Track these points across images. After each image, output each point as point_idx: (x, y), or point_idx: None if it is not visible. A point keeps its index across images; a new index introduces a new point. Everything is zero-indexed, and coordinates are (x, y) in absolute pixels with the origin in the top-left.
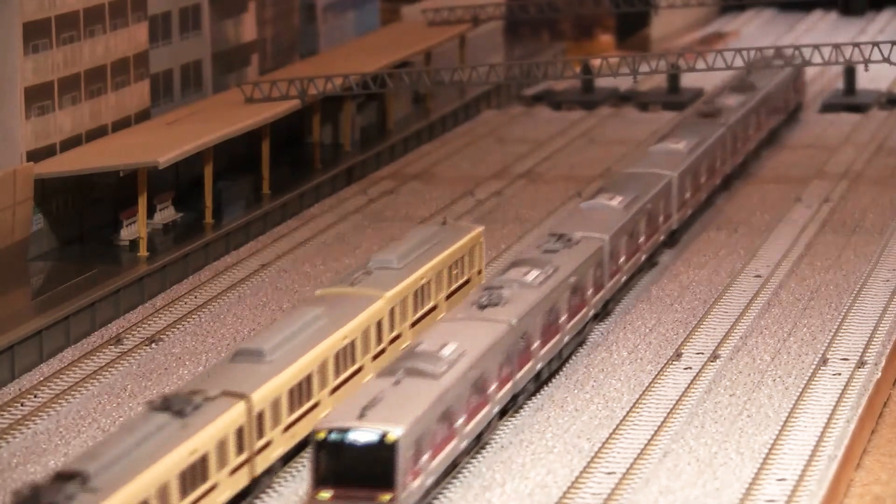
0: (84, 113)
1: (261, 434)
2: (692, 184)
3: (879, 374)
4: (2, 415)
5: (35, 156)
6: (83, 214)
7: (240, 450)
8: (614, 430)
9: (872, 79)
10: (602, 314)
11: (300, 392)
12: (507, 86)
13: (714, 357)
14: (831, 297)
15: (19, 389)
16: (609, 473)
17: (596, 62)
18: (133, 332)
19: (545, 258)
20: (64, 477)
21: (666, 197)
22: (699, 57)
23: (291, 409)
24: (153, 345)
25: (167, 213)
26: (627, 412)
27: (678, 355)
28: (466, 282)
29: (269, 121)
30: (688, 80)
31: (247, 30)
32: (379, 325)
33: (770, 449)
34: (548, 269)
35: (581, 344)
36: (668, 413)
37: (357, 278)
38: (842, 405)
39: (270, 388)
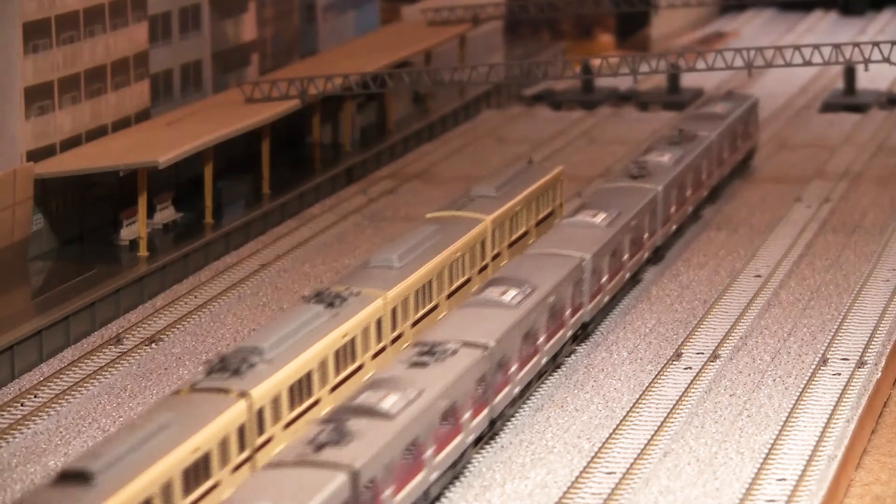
0: (84, 113)
1: (394, 327)
2: (611, 265)
3: (879, 374)
4: (2, 415)
5: (35, 156)
6: (83, 214)
7: (379, 338)
8: (614, 430)
9: (872, 79)
10: (489, 434)
11: (423, 294)
12: (507, 86)
13: (714, 357)
14: (831, 297)
15: (19, 389)
16: (609, 473)
17: (596, 62)
18: (133, 332)
19: (408, 377)
20: (244, 350)
21: (576, 284)
22: (699, 57)
23: (417, 308)
24: (153, 345)
25: (167, 213)
26: (627, 412)
27: (678, 355)
28: (550, 213)
29: (269, 121)
30: (688, 80)
31: (247, 30)
32: (483, 243)
33: (770, 449)
34: (410, 391)
35: (456, 477)
36: (668, 413)
37: (462, 203)
38: (842, 405)
39: (401, 289)
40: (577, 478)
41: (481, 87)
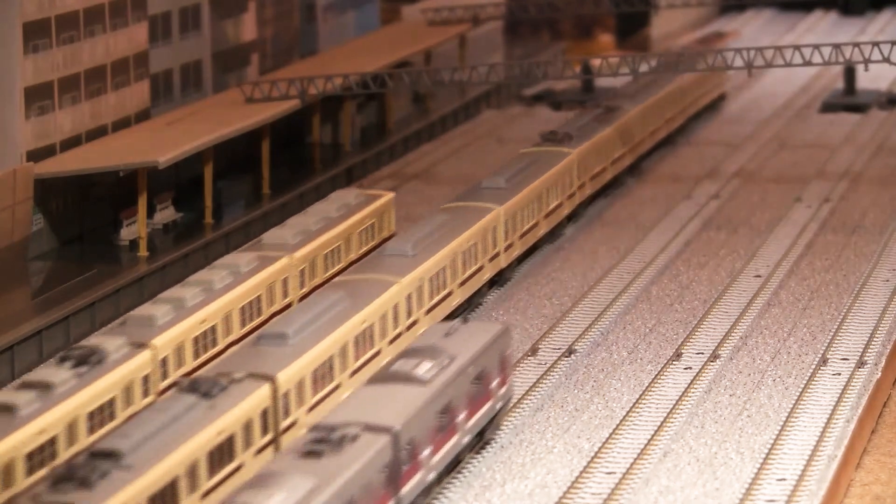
0: (84, 113)
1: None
2: None
3: (879, 374)
4: None
5: (35, 156)
6: (83, 214)
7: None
8: (614, 430)
9: (872, 79)
10: None
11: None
12: (507, 86)
13: (714, 357)
14: (831, 297)
15: None
16: (609, 473)
17: (596, 62)
18: None
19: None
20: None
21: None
22: (699, 57)
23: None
24: None
25: (167, 213)
26: (627, 412)
27: (678, 355)
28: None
29: (269, 121)
30: None
31: (247, 30)
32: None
33: (770, 449)
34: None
35: None
36: (668, 413)
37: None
38: (842, 405)
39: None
40: (577, 478)
41: (481, 87)
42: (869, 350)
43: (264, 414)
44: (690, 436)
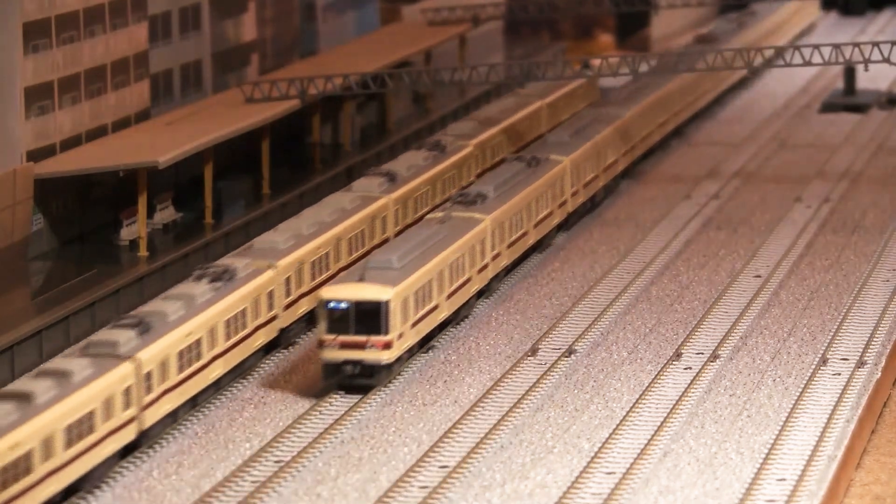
0: (84, 113)
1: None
2: None
3: (879, 374)
4: None
5: (35, 156)
6: (83, 214)
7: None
8: (614, 430)
9: (872, 79)
10: None
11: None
12: (507, 86)
13: (714, 357)
14: (831, 297)
15: None
16: (609, 473)
17: (596, 62)
18: None
19: None
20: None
21: None
22: (700, 57)
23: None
24: None
25: (167, 213)
26: (627, 412)
27: (678, 355)
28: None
29: (269, 121)
30: None
31: (247, 30)
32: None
33: (770, 449)
34: None
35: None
36: (668, 413)
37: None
38: (842, 405)
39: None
40: (577, 478)
41: (481, 87)
42: (869, 350)
43: (562, 181)
44: (690, 436)
